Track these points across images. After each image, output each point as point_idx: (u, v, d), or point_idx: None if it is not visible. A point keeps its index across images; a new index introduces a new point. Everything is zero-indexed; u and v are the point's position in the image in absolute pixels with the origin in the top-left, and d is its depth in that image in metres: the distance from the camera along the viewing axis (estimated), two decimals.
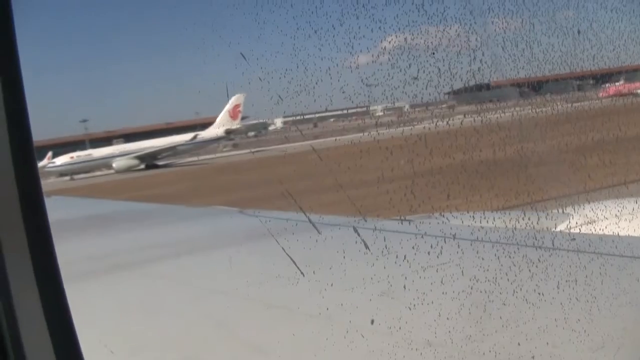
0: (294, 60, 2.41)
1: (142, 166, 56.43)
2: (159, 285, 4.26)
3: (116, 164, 52.02)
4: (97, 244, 5.85)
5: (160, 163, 59.17)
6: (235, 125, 68.44)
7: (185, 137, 61.64)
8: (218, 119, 68.16)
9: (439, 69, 2.46)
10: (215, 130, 67.24)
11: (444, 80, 2.46)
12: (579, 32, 2.64)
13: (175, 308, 3.63)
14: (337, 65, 2.47)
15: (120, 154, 55.64)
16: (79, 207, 9.76)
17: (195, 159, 61.26)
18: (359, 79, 2.47)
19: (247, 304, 3.54)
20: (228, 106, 67.70)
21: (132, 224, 7.35)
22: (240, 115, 68.93)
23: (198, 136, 64.98)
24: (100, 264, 4.75)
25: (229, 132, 67.90)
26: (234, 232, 5.97)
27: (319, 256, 3.66)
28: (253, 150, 63.27)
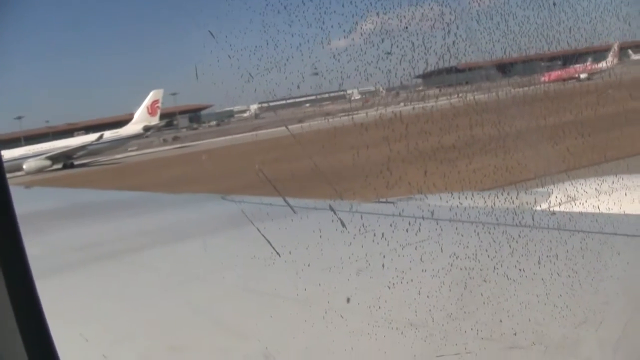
0: (264, 37, 2.37)
1: (59, 166, 55.75)
2: (142, 273, 4.22)
3: (27, 165, 51.15)
4: (79, 233, 5.80)
5: (80, 162, 58.42)
6: (154, 121, 68.08)
7: (92, 137, 60.90)
8: (136, 116, 67.81)
9: (413, 44, 2.42)
10: (133, 127, 66.59)
11: (418, 54, 2.42)
12: (554, 3, 2.60)
13: (157, 296, 3.59)
14: (308, 41, 2.43)
15: (34, 154, 55.09)
16: (59, 198, 9.67)
17: (120, 156, 60.64)
18: (331, 55, 2.43)
19: (228, 290, 3.51)
20: (146, 102, 67.40)
21: (114, 212, 7.31)
22: (159, 112, 68.61)
23: (117, 133, 64.27)
24: (81, 254, 4.70)
25: (147, 129, 67.43)
26: (215, 219, 5.93)
27: (297, 239, 3.64)
28: (179, 145, 63.16)
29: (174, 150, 59.69)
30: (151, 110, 67.72)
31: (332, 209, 3.03)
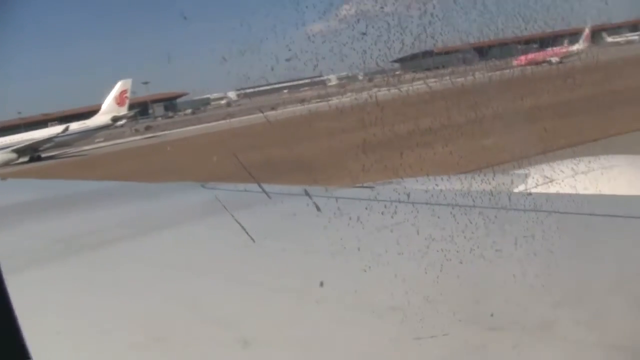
0: (237, 18, 2.35)
1: (25, 159, 55.38)
2: (121, 264, 4.18)
3: None
4: (56, 225, 5.73)
5: (47, 155, 58.02)
6: (122, 112, 67.59)
7: (58, 129, 60.30)
8: (104, 106, 67.24)
9: (389, 24, 2.41)
10: (101, 118, 66.05)
11: (394, 35, 2.41)
12: None
13: (137, 287, 3.56)
14: (282, 22, 2.41)
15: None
16: (32, 189, 9.56)
17: (89, 147, 60.14)
18: (306, 36, 2.41)
19: (207, 279, 3.48)
20: (114, 92, 66.93)
21: (91, 203, 7.22)
22: (127, 102, 68.10)
23: (84, 125, 63.74)
24: (60, 246, 4.65)
25: (115, 120, 66.95)
26: (195, 207, 5.89)
27: (275, 225, 3.62)
28: (148, 135, 62.81)
29: (144, 140, 59.24)
30: (119, 101, 67.21)
31: (307, 193, 3.01)
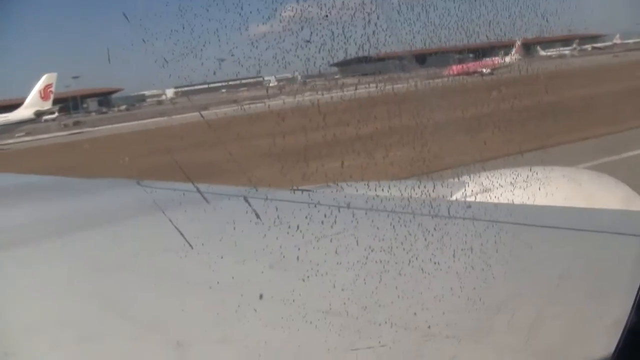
0: (180, 21, 2.31)
1: None
2: (46, 263, 4.07)
3: None
4: None
5: None
6: (47, 106, 66.37)
7: None
8: (27, 100, 65.80)
9: (333, 32, 2.40)
10: (23, 112, 64.65)
11: (338, 44, 2.40)
12: None
13: (63, 287, 3.47)
14: (225, 27, 2.38)
15: None
16: None
17: (11, 141, 58.70)
18: (249, 41, 2.39)
19: (138, 279, 3.42)
20: (38, 86, 65.65)
21: (15, 197, 7.02)
22: (52, 96, 66.87)
23: (6, 118, 62.41)
24: None
25: (39, 114, 65.66)
26: (128, 205, 5.77)
27: (212, 227, 3.58)
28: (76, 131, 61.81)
29: (67, 136, 57.93)
30: (44, 95, 65.67)
31: (246, 200, 2.98)
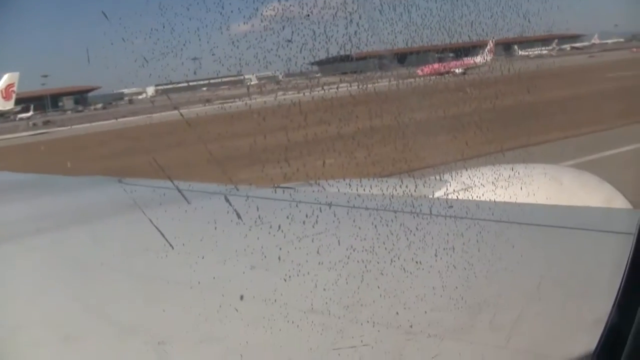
0: (160, 19, 2.29)
1: None
2: (24, 262, 4.04)
3: None
4: None
5: None
6: (8, 106, 65.87)
7: None
8: None
9: (314, 32, 2.40)
10: None
11: (319, 43, 2.40)
12: None
13: (41, 287, 3.44)
14: (206, 26, 2.37)
15: None
16: None
17: None
18: (230, 40, 2.38)
19: (117, 278, 3.40)
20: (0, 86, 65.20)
21: (5, 195, 6.97)
22: (14, 95, 66.37)
23: None
24: None
25: (1, 114, 65.15)
26: (109, 203, 5.74)
27: (192, 227, 3.57)
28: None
29: (32, 136, 56.92)
30: (5, 95, 65.06)
31: (227, 200, 2.97)
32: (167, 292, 3.07)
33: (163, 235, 3.08)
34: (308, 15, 2.37)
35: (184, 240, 3.31)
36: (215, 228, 3.20)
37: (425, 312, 2.40)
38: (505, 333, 2.24)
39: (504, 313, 2.38)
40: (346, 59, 2.84)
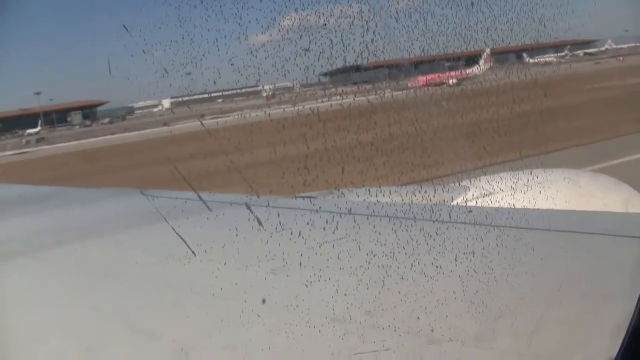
0: (180, 31, 2.34)
1: None
2: (53, 272, 4.09)
3: None
4: None
5: None
6: None
7: None
8: None
9: (332, 41, 2.43)
10: None
11: (337, 52, 2.43)
12: (472, 4, 2.65)
13: (68, 296, 3.49)
14: (225, 37, 2.41)
15: None
16: None
17: None
18: (248, 51, 2.42)
19: (142, 288, 3.44)
20: None
21: (24, 209, 7.03)
22: None
23: None
24: None
25: None
26: (132, 214, 5.79)
27: (213, 236, 3.60)
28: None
29: (12, 156, 57.05)
30: None
31: (248, 207, 3.00)
32: (190, 300, 3.11)
33: (186, 243, 3.11)
34: (325, 25, 2.41)
35: (206, 248, 3.34)
36: (237, 235, 3.23)
37: (446, 317, 2.41)
38: (526, 338, 2.25)
39: (525, 318, 2.39)
40: (357, 69, 2.86)
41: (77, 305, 3.30)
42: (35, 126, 77.16)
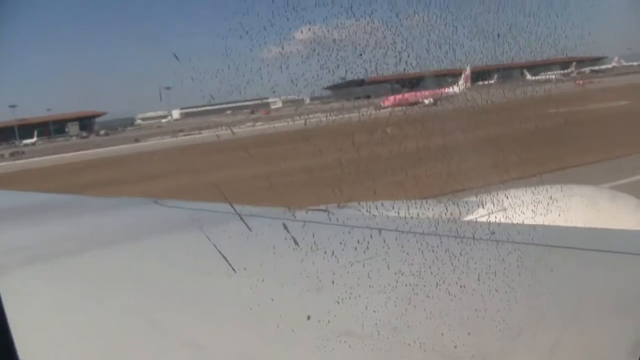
0: (226, 60, 2.45)
1: None
2: (75, 280, 4.16)
3: None
4: (4, 238, 5.62)
5: None
6: None
7: None
8: None
9: (366, 70, 2.54)
10: None
11: (354, 66, 2.53)
12: (498, 35, 2.75)
13: (95, 304, 3.56)
14: (267, 65, 2.52)
15: None
16: None
17: None
18: (289, 79, 2.52)
19: (171, 299, 3.52)
20: None
21: (39, 215, 7.09)
22: None
23: None
24: (7, 258, 4.57)
25: None
26: (149, 224, 5.86)
27: (239, 246, 3.66)
28: None
29: None
30: None
31: (285, 227, 3.10)
32: (224, 313, 3.20)
33: (225, 258, 3.19)
34: (361, 55, 2.52)
35: (235, 259, 3.40)
36: (270, 249, 3.30)
37: (469, 334, 2.52)
38: (546, 357, 2.34)
39: (545, 337, 2.48)
40: (360, 83, 2.93)
41: (104, 315, 3.35)
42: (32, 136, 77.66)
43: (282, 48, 2.45)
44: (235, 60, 2.46)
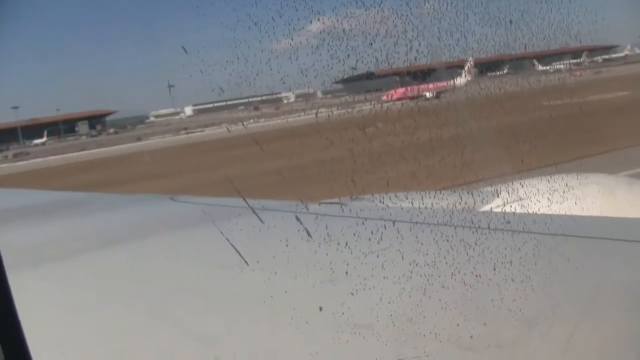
0: (235, 52, 2.44)
1: None
2: (89, 277, 4.17)
3: None
4: (23, 235, 5.64)
5: None
6: None
7: None
8: None
9: (377, 59, 2.52)
10: None
11: (366, 57, 2.51)
12: (510, 22, 2.72)
13: (111, 301, 3.57)
14: (277, 57, 2.50)
15: None
16: (10, 199, 9.37)
17: None
18: (299, 70, 2.51)
19: (185, 294, 3.52)
20: None
21: (57, 213, 7.12)
22: None
23: None
24: (25, 257, 4.58)
25: None
26: (165, 220, 5.88)
27: (253, 240, 3.66)
28: None
29: None
30: None
31: (298, 219, 3.09)
32: (237, 307, 3.19)
33: (238, 252, 3.19)
34: (371, 44, 2.50)
35: (254, 253, 3.40)
36: (283, 242, 3.30)
37: (484, 324, 2.50)
38: (561, 346, 2.32)
39: (560, 327, 2.46)
40: (369, 76, 2.91)
41: (121, 311, 3.35)
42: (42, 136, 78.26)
43: (292, 39, 2.44)
44: (244, 51, 2.45)
